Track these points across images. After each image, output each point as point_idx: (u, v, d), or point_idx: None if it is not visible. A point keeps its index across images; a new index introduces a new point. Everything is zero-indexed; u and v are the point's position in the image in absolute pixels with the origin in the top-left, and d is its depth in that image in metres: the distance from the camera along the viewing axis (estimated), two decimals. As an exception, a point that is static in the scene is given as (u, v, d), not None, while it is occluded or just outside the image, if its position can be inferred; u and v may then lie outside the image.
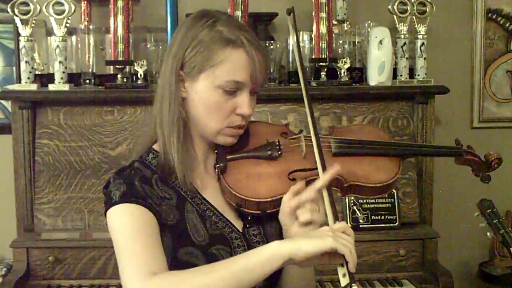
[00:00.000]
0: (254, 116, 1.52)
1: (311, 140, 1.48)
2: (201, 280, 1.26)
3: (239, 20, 2.54)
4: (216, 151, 1.48)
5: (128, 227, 1.36)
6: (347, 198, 2.52)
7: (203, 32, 1.43)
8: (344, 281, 1.26)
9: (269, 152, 1.50)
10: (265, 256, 1.26)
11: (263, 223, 1.51)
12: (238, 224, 1.49)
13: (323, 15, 2.61)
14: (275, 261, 1.26)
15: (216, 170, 1.47)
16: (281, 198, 1.43)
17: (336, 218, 1.35)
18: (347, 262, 1.26)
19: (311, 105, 1.51)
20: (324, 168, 1.41)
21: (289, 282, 1.53)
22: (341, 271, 1.27)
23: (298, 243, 1.27)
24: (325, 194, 1.39)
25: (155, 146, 1.51)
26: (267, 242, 1.46)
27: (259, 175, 1.47)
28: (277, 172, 1.48)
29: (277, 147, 1.52)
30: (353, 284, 1.25)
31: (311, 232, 1.32)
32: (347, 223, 1.68)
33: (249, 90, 1.44)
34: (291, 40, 2.77)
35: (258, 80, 1.44)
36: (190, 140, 1.49)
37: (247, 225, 1.49)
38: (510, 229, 1.99)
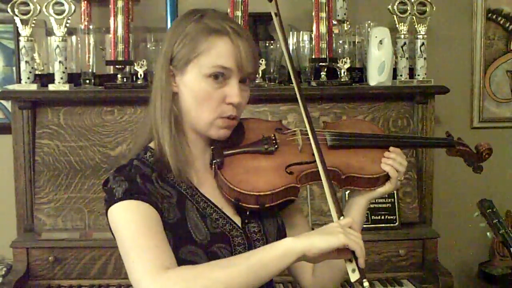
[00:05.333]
0: (252, 116, 1.53)
1: (307, 133, 1.49)
2: (219, 274, 1.26)
3: (239, 20, 2.55)
4: (212, 147, 1.49)
5: (135, 223, 1.35)
6: (347, 197, 2.51)
7: (189, 26, 1.45)
8: (354, 276, 1.28)
9: (265, 147, 1.51)
10: (280, 252, 1.28)
11: (263, 220, 1.51)
12: (237, 220, 1.49)
13: (323, 15, 2.61)
14: (289, 256, 1.28)
15: (213, 166, 1.47)
16: (279, 191, 1.44)
17: (340, 214, 1.37)
18: (356, 258, 1.28)
19: (303, 96, 1.53)
20: (322, 160, 1.43)
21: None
22: (350, 266, 1.29)
23: (312, 240, 1.29)
24: (327, 190, 1.39)
25: (151, 144, 1.51)
26: (267, 240, 1.48)
27: (256, 169, 1.47)
28: (274, 166, 1.48)
29: (274, 142, 1.53)
30: (364, 280, 1.27)
31: (321, 228, 1.33)
32: None
33: (238, 78, 1.45)
34: (291, 41, 2.77)
35: (245, 68, 1.44)
36: (184, 136, 1.49)
37: (246, 221, 1.49)
38: (510, 229, 1.99)
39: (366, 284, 1.26)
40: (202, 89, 1.43)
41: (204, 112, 1.44)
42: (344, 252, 1.29)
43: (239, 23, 2.53)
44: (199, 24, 1.44)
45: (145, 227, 1.34)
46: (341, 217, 1.36)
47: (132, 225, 1.35)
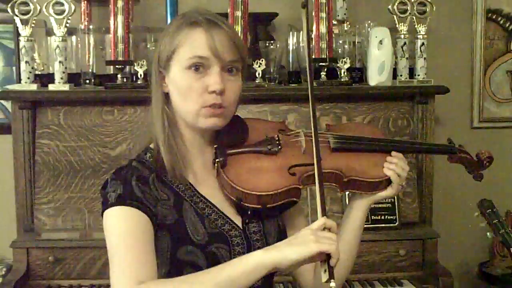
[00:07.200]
0: (252, 115, 1.53)
1: (310, 135, 1.50)
2: None
3: (239, 20, 2.55)
4: (215, 146, 1.49)
5: (121, 231, 1.36)
6: (347, 198, 2.52)
7: (171, 26, 1.50)
8: (324, 276, 1.29)
9: (269, 147, 1.52)
10: (249, 267, 1.28)
11: (263, 220, 1.51)
12: (238, 220, 1.49)
13: (323, 15, 2.61)
14: (259, 270, 1.29)
15: (216, 165, 1.47)
16: (281, 192, 1.44)
17: (323, 213, 1.37)
18: (329, 258, 1.28)
19: (313, 94, 1.52)
20: (319, 163, 1.44)
21: None
22: (323, 266, 1.30)
23: (283, 252, 1.29)
24: (317, 189, 1.40)
25: (152, 145, 1.52)
26: (266, 240, 1.48)
27: (259, 169, 1.48)
28: (277, 167, 1.49)
29: (277, 142, 1.53)
30: (332, 280, 1.27)
31: (292, 238, 1.33)
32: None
33: (219, 67, 1.45)
34: (291, 41, 2.77)
35: (222, 56, 1.44)
36: (181, 136, 1.50)
37: (246, 221, 1.50)
38: (510, 229, 1.99)
39: (332, 284, 1.27)
40: (184, 82, 1.45)
41: (189, 104, 1.45)
42: (318, 255, 1.30)
43: (239, 23, 2.53)
44: (178, 21, 1.49)
45: (130, 236, 1.35)
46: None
47: (118, 233, 1.37)
